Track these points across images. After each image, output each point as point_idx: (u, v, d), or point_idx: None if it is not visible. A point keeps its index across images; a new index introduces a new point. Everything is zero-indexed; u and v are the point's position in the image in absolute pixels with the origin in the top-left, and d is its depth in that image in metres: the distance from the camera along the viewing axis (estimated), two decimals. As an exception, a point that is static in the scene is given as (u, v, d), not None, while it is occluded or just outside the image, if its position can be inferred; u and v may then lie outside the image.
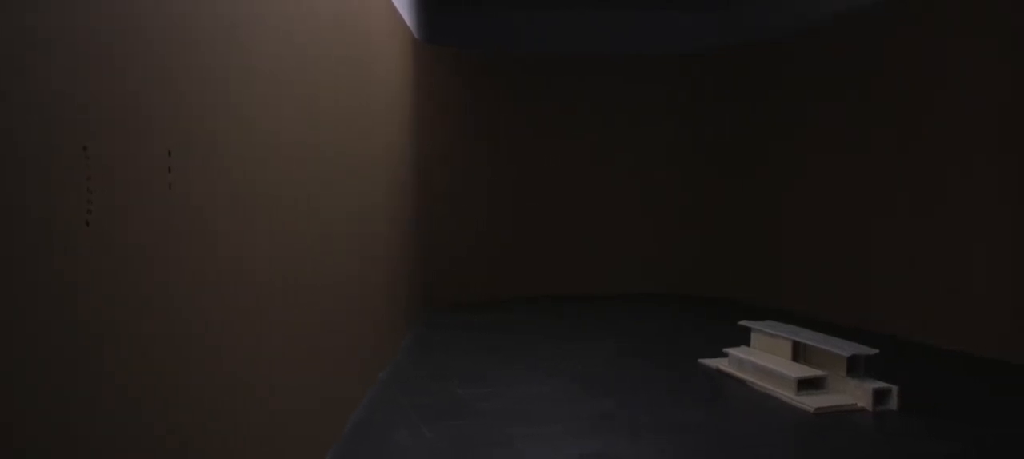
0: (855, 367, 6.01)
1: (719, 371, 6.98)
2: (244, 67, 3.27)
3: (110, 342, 2.19)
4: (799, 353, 6.49)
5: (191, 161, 2.74)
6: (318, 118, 4.50)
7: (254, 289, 3.42)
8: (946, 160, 8.00)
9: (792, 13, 10.36)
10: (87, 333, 2.07)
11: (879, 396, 5.76)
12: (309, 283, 4.30)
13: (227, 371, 3.08)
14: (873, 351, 5.86)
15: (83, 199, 2.06)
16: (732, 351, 6.96)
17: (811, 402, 5.79)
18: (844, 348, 5.96)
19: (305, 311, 4.26)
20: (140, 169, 2.37)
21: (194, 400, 2.77)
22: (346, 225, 5.28)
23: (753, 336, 7.03)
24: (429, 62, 10.83)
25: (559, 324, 9.46)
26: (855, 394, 5.86)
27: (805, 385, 6.08)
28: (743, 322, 7.21)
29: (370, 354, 6.31)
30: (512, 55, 11.82)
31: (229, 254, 3.10)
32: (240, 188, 3.22)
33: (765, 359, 6.57)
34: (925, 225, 8.24)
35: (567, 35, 12.17)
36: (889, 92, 8.72)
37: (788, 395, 6.02)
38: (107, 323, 2.18)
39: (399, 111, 8.03)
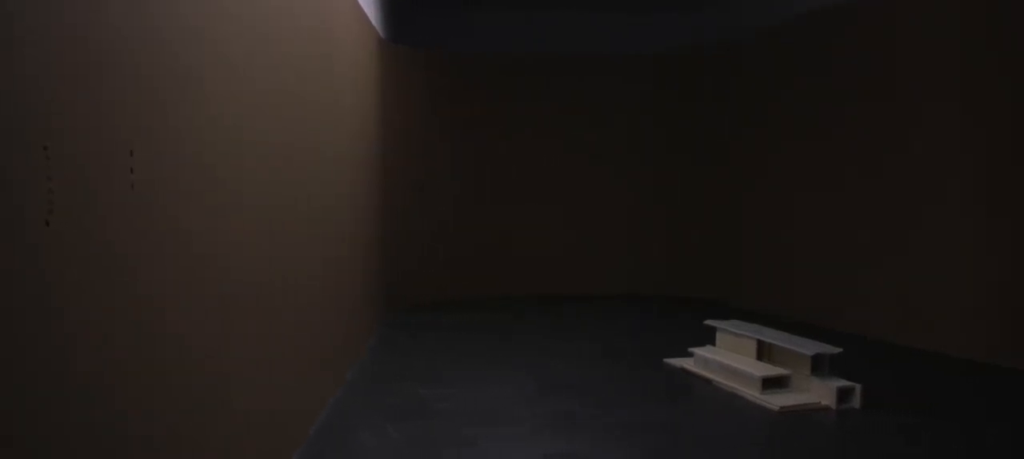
0: (819, 366, 6.07)
1: (684, 370, 7.02)
2: (209, 64, 3.21)
3: (70, 342, 2.14)
4: (764, 352, 6.55)
5: (155, 159, 2.68)
6: (283, 116, 4.45)
7: (220, 288, 3.36)
8: (910, 160, 8.13)
9: (761, 13, 10.45)
10: (45, 331, 2.02)
11: (843, 394, 5.83)
12: (275, 281, 4.24)
13: (191, 372, 3.03)
14: (837, 350, 5.93)
15: (44, 199, 2.01)
16: (697, 351, 7.01)
17: (776, 401, 5.84)
18: (808, 347, 6.02)
19: (271, 310, 4.20)
20: (102, 168, 2.32)
21: (158, 401, 2.71)
22: (312, 223, 5.22)
23: (718, 336, 7.08)
24: (395, 62, 10.77)
25: (525, 324, 9.46)
26: (819, 393, 5.92)
27: (770, 384, 6.14)
28: (708, 322, 7.26)
29: (337, 354, 6.25)
30: (479, 55, 11.79)
31: (195, 252, 3.04)
32: (205, 186, 3.16)
33: (730, 358, 6.61)
34: (890, 225, 8.36)
35: (536, 35, 12.16)
36: (856, 92, 8.83)
37: (753, 394, 6.07)
38: (68, 323, 2.12)
39: (365, 110, 7.97)
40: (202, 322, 3.13)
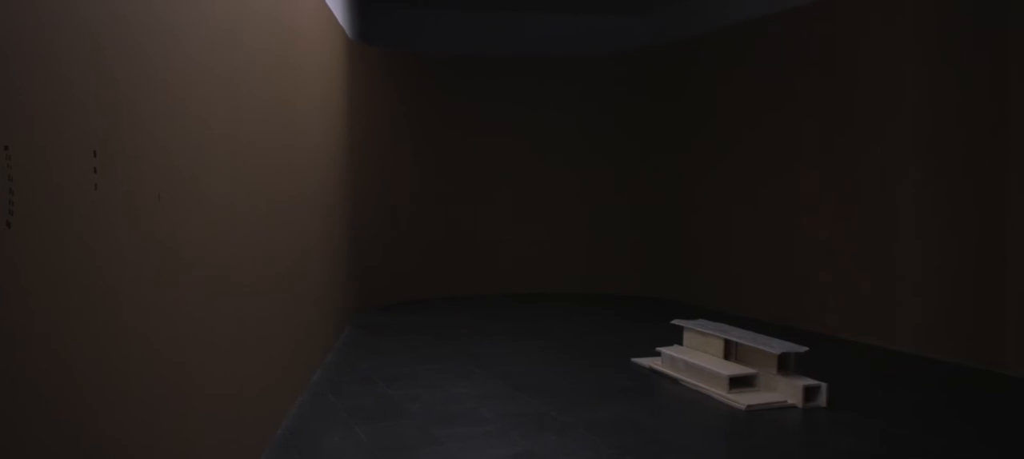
0: (786, 365, 6.12)
1: (652, 370, 7.04)
2: (173, 63, 3.15)
3: (32, 344, 2.08)
4: (731, 351, 6.59)
5: (118, 160, 2.62)
6: (248, 115, 4.38)
7: (186, 289, 3.30)
8: (868, 159, 8.23)
9: (716, 14, 10.52)
10: (4, 335, 1.96)
11: (809, 393, 5.88)
12: (240, 280, 4.18)
13: (155, 374, 2.97)
14: (803, 349, 5.99)
15: (5, 200, 1.95)
16: (665, 350, 7.03)
17: (743, 400, 5.88)
18: (775, 346, 6.07)
19: (237, 310, 4.14)
20: (65, 169, 2.26)
21: (120, 403, 2.65)
22: (278, 222, 5.16)
23: (685, 335, 7.12)
24: (363, 61, 10.69)
25: (493, 323, 9.44)
26: (786, 391, 5.97)
27: (737, 383, 6.18)
28: (675, 321, 7.28)
29: (304, 354, 6.19)
30: (444, 56, 11.76)
31: (159, 253, 2.98)
32: (168, 186, 3.10)
33: (697, 357, 6.65)
34: (852, 224, 8.47)
35: (500, 37, 12.15)
36: (811, 91, 8.92)
37: (720, 393, 6.10)
38: (30, 325, 2.06)
39: (332, 109, 7.89)
40: (166, 323, 3.06)
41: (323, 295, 7.21)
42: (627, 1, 11.44)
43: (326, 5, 7.60)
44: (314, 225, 6.70)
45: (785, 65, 9.36)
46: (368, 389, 6.34)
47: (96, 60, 2.46)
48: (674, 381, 6.67)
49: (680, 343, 7.26)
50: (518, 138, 12.03)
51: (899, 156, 7.89)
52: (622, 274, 12.14)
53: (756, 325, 8.98)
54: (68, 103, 2.28)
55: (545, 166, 12.10)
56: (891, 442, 5.02)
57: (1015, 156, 6.83)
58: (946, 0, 7.44)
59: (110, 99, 2.56)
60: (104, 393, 2.50)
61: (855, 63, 8.39)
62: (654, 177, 11.81)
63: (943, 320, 7.46)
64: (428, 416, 5.58)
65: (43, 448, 2.12)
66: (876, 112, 8.14)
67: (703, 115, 10.83)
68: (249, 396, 4.37)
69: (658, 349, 7.22)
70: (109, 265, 2.54)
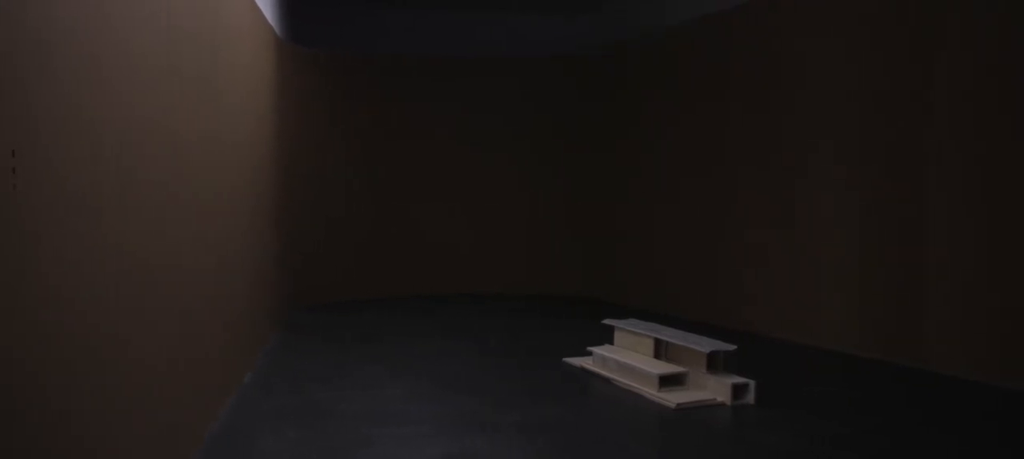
0: (715, 363, 6.16)
1: (583, 369, 7.03)
2: (91, 63, 2.98)
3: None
4: (661, 350, 6.60)
5: (38, 160, 2.48)
6: (173, 113, 4.20)
7: (108, 290, 3.14)
8: (793, 160, 8.37)
9: (652, 16, 10.59)
10: None
11: (738, 391, 5.93)
12: (162, 281, 4.01)
13: (81, 378, 2.81)
14: (732, 347, 6.03)
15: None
16: (596, 349, 7.02)
17: (672, 398, 5.89)
18: (704, 344, 6.10)
19: (163, 311, 3.96)
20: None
21: (44, 408, 2.50)
22: (203, 222, 4.96)
23: (616, 334, 7.12)
24: (294, 62, 10.48)
25: (424, 324, 9.33)
26: (715, 389, 6.01)
27: (667, 381, 6.19)
28: (607, 321, 7.28)
29: (232, 355, 6.01)
30: (379, 56, 11.61)
31: (78, 253, 2.82)
32: (89, 186, 2.94)
33: (628, 357, 6.65)
34: (778, 224, 8.59)
35: (435, 37, 12.04)
36: (748, 93, 9.04)
37: (650, 392, 6.11)
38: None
39: (261, 108, 7.69)
40: (83, 325, 2.90)
41: (252, 295, 7.01)
42: (565, 3, 11.46)
43: (256, 5, 7.44)
44: (241, 224, 6.51)
45: (714, 67, 9.47)
46: (299, 390, 6.19)
47: (10, 63, 2.33)
48: (606, 380, 6.66)
49: (611, 343, 7.26)
50: (455, 138, 11.95)
51: (824, 157, 8.03)
52: (559, 274, 12.14)
53: (688, 325, 9.05)
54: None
55: (482, 166, 12.04)
56: (817, 438, 5.08)
57: (935, 157, 7.01)
58: (874, 3, 7.61)
59: (27, 100, 2.43)
60: (30, 393, 2.35)
61: (782, 66, 8.52)
62: (590, 178, 11.85)
63: (867, 318, 7.61)
64: (360, 416, 5.47)
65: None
66: (803, 114, 8.28)
67: (634, 116, 10.90)
68: (173, 399, 4.20)
69: (589, 349, 7.20)
70: (28, 266, 2.38)
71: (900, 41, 7.32)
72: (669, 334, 6.54)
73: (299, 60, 10.66)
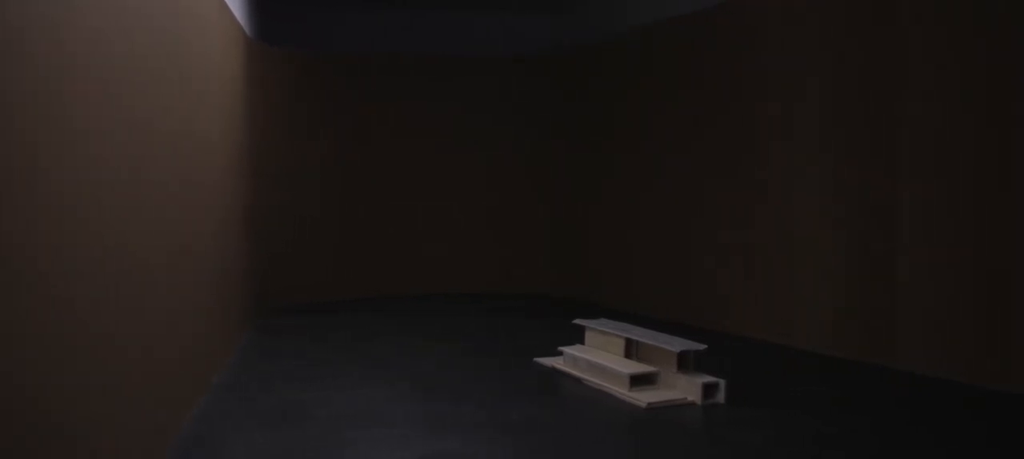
0: (686, 362, 6.16)
1: (554, 369, 7.00)
2: (42, 55, 2.89)
3: None
4: (632, 350, 6.59)
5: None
6: (138, 112, 4.11)
7: (73, 290, 3.05)
8: (766, 160, 8.39)
9: (621, 16, 10.60)
10: None
11: (708, 390, 5.93)
12: (120, 283, 3.91)
13: (42, 378, 2.73)
14: (702, 347, 6.02)
15: None
16: (567, 349, 7.00)
17: (643, 397, 5.88)
18: (674, 344, 6.10)
19: (131, 312, 3.87)
20: None
21: (11, 412, 2.43)
22: (166, 221, 4.86)
23: (587, 334, 7.10)
24: (263, 61, 10.36)
25: (396, 325, 9.26)
26: (685, 389, 6.00)
27: (638, 381, 6.18)
28: (578, 321, 7.27)
29: (203, 356, 5.92)
30: (348, 55, 11.51)
31: (25, 255, 2.73)
32: (34, 186, 2.86)
33: (599, 357, 6.63)
34: (755, 226, 8.62)
35: (410, 36, 11.97)
36: (721, 92, 9.06)
37: (621, 391, 6.09)
38: None
39: (228, 107, 7.58)
40: (55, 328, 2.82)
41: (220, 295, 6.90)
42: (540, 3, 11.43)
43: (225, 3, 7.34)
44: (208, 224, 6.41)
45: (688, 67, 9.48)
46: (272, 392, 6.12)
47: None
48: (576, 380, 6.64)
49: (582, 343, 7.25)
50: (428, 138, 11.88)
51: (797, 157, 8.07)
52: (534, 274, 12.11)
53: (659, 324, 9.07)
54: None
55: (455, 166, 11.98)
56: (788, 437, 5.09)
57: (907, 156, 7.06)
58: (846, 4, 7.65)
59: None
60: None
61: (754, 66, 8.55)
62: (565, 178, 11.84)
63: (838, 317, 7.65)
64: (332, 418, 5.42)
65: None
66: (774, 114, 8.31)
67: (609, 116, 10.90)
68: (148, 399, 4.11)
69: (560, 349, 7.18)
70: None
71: (870, 40, 7.36)
72: (640, 334, 6.53)
73: (269, 59, 10.54)
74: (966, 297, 6.57)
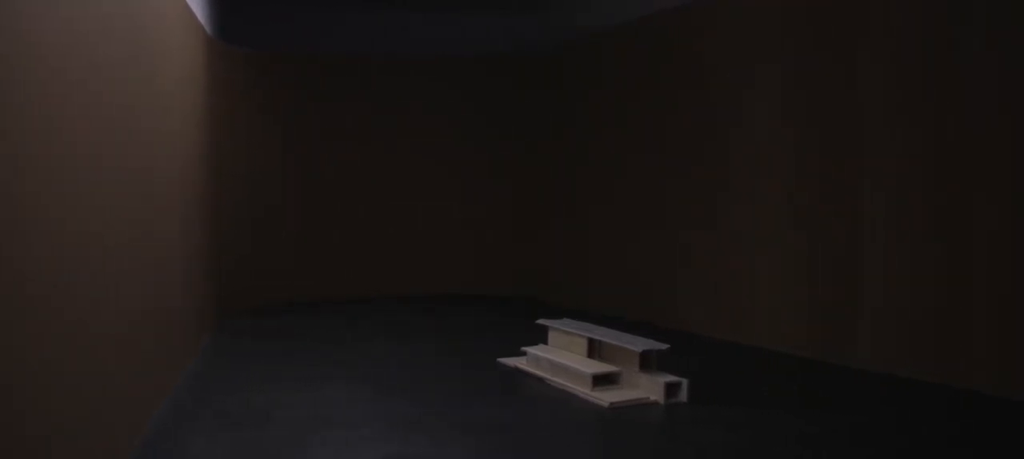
0: (648, 362, 6.17)
1: (518, 369, 6.97)
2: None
3: None
4: (594, 350, 6.59)
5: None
6: (96, 113, 4.00)
7: (34, 292, 2.96)
8: (727, 160, 8.45)
9: (586, 17, 10.61)
10: None
11: (670, 389, 5.94)
12: (99, 284, 3.82)
13: (5, 383, 2.65)
14: (664, 346, 6.04)
15: None
16: (530, 350, 6.98)
17: (606, 397, 5.88)
18: (637, 344, 6.10)
19: (92, 312, 3.76)
20: None
21: None
22: (126, 221, 4.75)
23: (550, 334, 7.08)
24: (226, 61, 10.21)
25: (359, 326, 9.19)
26: (648, 388, 6.01)
27: (600, 381, 6.17)
28: (541, 321, 7.25)
29: (165, 361, 5.80)
30: (313, 56, 11.40)
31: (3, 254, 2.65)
32: (12, 186, 2.78)
33: (562, 356, 6.62)
34: (716, 226, 8.67)
35: (374, 36, 11.88)
36: (688, 96, 9.11)
37: (584, 391, 6.08)
38: None
39: (190, 109, 7.45)
40: (14, 331, 2.74)
41: (183, 297, 6.77)
42: (503, 3, 11.41)
43: (186, 3, 7.23)
44: (173, 225, 6.30)
45: (649, 69, 9.52)
46: (234, 394, 6.05)
47: None
48: (540, 380, 6.62)
49: (545, 343, 7.23)
50: (396, 138, 11.79)
51: (758, 157, 8.12)
52: (499, 274, 12.08)
53: (622, 325, 9.08)
54: None
55: (417, 166, 11.91)
56: (748, 436, 5.11)
57: (869, 154, 7.13)
58: (804, 7, 7.72)
59: None
60: None
61: (714, 67, 8.60)
62: (527, 178, 11.83)
63: (800, 315, 7.72)
64: (295, 421, 5.37)
65: None
66: (737, 115, 8.36)
67: (571, 117, 10.91)
68: (109, 402, 4.01)
69: (523, 349, 7.16)
70: None
71: (827, 41, 7.43)
72: (602, 333, 6.53)
73: (231, 59, 10.40)
74: (927, 296, 6.66)
